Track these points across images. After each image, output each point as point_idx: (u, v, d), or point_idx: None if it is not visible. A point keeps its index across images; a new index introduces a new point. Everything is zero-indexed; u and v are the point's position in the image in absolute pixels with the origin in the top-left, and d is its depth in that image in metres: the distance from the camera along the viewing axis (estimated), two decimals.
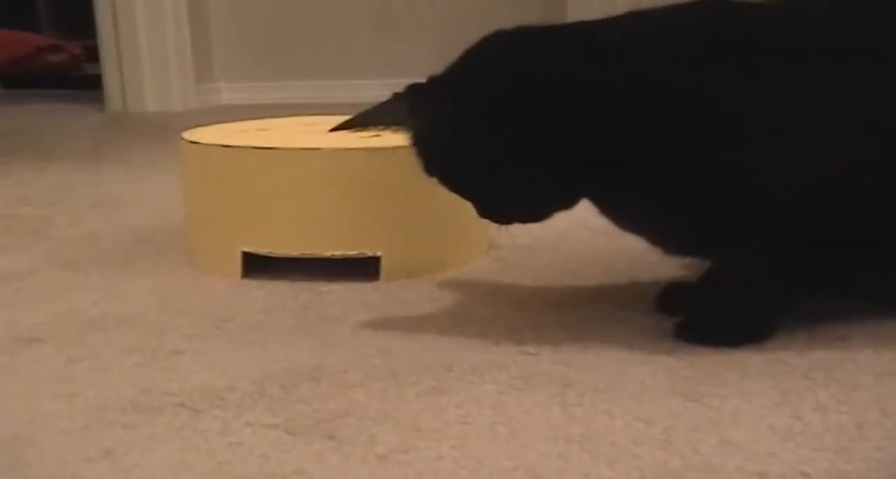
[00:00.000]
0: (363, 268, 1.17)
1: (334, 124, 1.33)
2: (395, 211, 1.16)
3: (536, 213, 0.94)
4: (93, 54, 3.58)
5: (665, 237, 0.95)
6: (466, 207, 0.96)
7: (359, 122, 1.00)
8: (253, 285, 1.17)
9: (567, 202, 0.94)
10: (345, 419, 0.78)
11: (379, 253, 1.17)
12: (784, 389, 0.82)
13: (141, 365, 0.92)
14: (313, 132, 1.30)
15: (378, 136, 1.18)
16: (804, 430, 0.74)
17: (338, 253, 1.17)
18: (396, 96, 0.95)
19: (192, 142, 1.22)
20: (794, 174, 0.85)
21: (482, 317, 1.04)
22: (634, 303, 1.05)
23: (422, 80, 0.94)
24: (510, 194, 0.92)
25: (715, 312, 0.94)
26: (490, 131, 0.89)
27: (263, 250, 1.19)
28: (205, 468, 0.71)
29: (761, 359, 0.88)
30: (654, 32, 0.92)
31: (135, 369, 0.91)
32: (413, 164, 0.94)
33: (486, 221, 0.96)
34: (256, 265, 1.20)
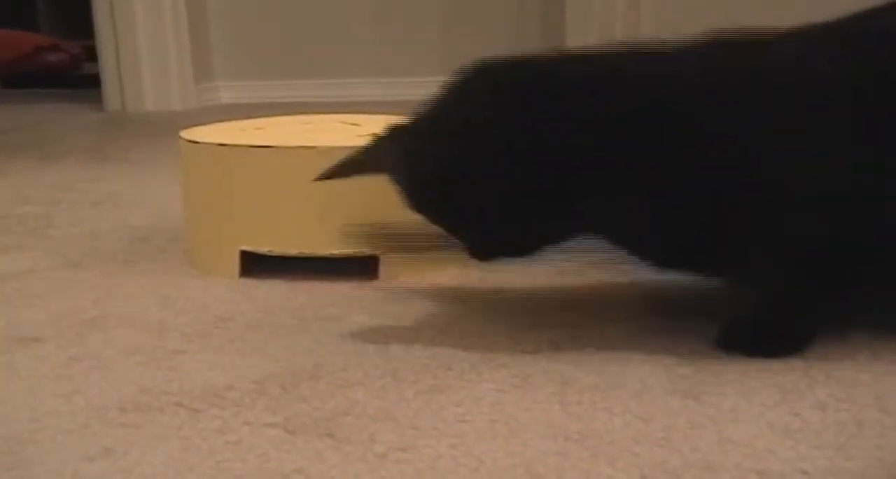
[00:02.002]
0: (362, 267, 1.17)
1: (332, 122, 1.33)
2: (396, 209, 1.16)
3: (521, 249, 0.94)
4: (92, 54, 3.58)
5: (669, 254, 0.94)
6: None
7: (345, 170, 1.00)
8: (252, 284, 1.17)
9: (555, 236, 0.94)
10: (344, 418, 0.78)
11: (376, 252, 1.17)
12: (783, 387, 0.82)
13: (141, 364, 0.92)
14: (311, 131, 1.30)
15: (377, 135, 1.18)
16: (803, 428, 0.74)
17: (336, 252, 1.17)
18: (377, 138, 0.95)
19: (190, 141, 1.23)
20: (803, 176, 0.85)
21: (481, 316, 1.04)
22: (634, 301, 1.05)
23: (403, 117, 0.95)
24: (494, 230, 0.92)
25: (755, 321, 0.93)
26: (472, 167, 0.89)
27: (262, 248, 1.19)
28: (204, 467, 0.71)
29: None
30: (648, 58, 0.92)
31: (135, 369, 0.91)
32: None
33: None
34: (256, 264, 1.20)
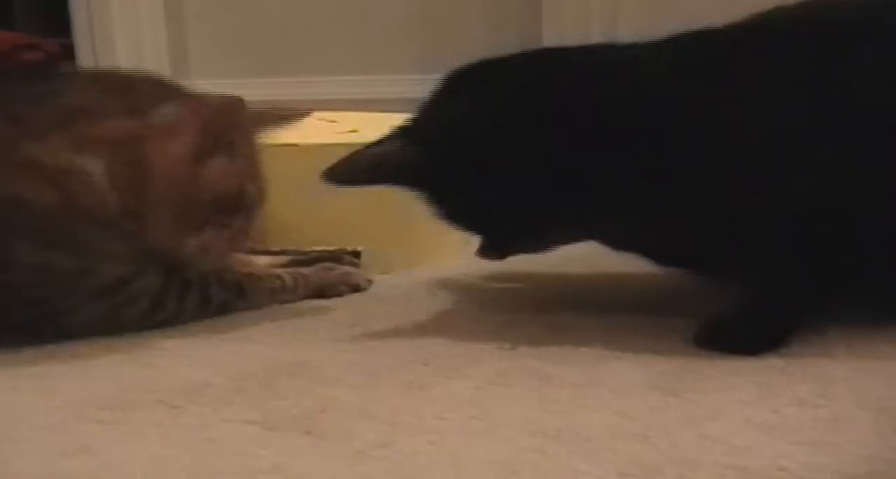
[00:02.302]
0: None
1: (311, 119, 1.32)
2: (375, 206, 1.16)
3: (535, 242, 0.97)
4: (69, 52, 3.56)
5: (663, 251, 0.95)
6: None
7: (361, 176, 1.00)
8: None
9: (555, 228, 0.96)
10: (322, 415, 0.78)
11: (358, 248, 1.17)
12: (762, 383, 0.82)
13: (120, 361, 0.92)
14: (290, 128, 1.30)
15: (356, 131, 1.18)
16: (782, 424, 0.74)
17: (318, 248, 1.17)
18: (389, 146, 0.97)
19: None
20: (791, 175, 0.86)
21: (459, 313, 1.04)
22: (613, 298, 1.05)
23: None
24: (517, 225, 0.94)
25: (734, 318, 0.93)
26: (468, 169, 0.91)
27: None
28: (183, 464, 0.70)
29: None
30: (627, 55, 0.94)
31: (113, 365, 0.91)
32: None
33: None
34: None
